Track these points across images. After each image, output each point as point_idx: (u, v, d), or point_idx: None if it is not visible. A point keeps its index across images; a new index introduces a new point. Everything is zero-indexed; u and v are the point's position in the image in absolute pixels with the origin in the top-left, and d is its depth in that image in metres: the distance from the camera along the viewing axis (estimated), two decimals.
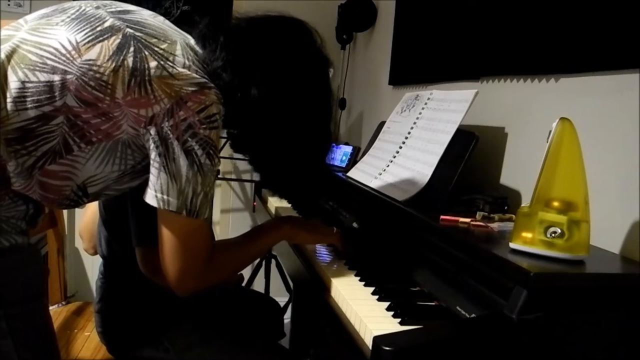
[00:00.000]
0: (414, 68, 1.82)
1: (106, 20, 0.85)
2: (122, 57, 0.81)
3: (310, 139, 1.00)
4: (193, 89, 0.83)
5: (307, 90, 0.97)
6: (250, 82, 0.90)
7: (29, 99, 0.79)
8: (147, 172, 0.86)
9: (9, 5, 2.29)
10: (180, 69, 0.83)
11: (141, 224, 1.04)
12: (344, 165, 1.93)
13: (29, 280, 0.91)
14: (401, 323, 0.81)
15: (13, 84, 0.80)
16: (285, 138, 0.96)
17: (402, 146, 1.39)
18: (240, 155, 1.06)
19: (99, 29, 0.84)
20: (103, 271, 1.19)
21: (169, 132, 0.82)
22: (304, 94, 0.96)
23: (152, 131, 0.82)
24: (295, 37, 0.98)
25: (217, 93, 0.86)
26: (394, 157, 1.39)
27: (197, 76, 0.84)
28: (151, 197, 0.84)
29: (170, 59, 0.84)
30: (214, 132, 0.85)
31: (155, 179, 0.84)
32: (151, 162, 0.84)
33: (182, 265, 0.88)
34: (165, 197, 0.83)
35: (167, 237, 0.87)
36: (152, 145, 0.83)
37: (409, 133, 1.39)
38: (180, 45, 0.87)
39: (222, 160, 0.90)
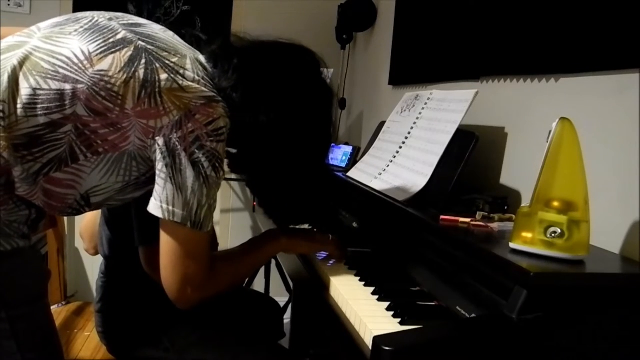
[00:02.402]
0: (414, 68, 1.83)
1: (119, 33, 0.86)
2: (133, 69, 0.82)
3: (310, 166, 1.01)
4: (202, 102, 0.84)
5: (313, 120, 0.99)
6: (260, 107, 0.92)
7: (39, 106, 0.80)
8: (151, 183, 0.86)
9: (9, 5, 2.29)
10: (190, 83, 0.84)
11: (145, 223, 1.04)
12: (344, 165, 1.94)
13: (30, 282, 0.91)
14: (401, 323, 0.81)
15: (24, 90, 0.80)
16: (286, 164, 0.97)
17: (402, 146, 1.39)
18: None
19: (111, 40, 0.85)
20: (104, 271, 1.19)
21: (177, 143, 0.82)
22: (309, 123, 0.98)
23: (160, 142, 0.83)
24: (306, 68, 1.00)
25: (225, 107, 0.87)
26: (394, 157, 1.39)
27: (206, 90, 0.85)
28: (156, 208, 0.85)
29: (181, 72, 0.85)
30: (221, 145, 0.85)
31: (161, 189, 0.84)
32: (157, 172, 0.84)
33: (183, 276, 0.88)
34: (170, 208, 0.84)
35: (169, 248, 0.87)
36: (159, 156, 0.83)
37: (409, 133, 1.39)
38: (190, 60, 0.88)
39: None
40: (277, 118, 0.93)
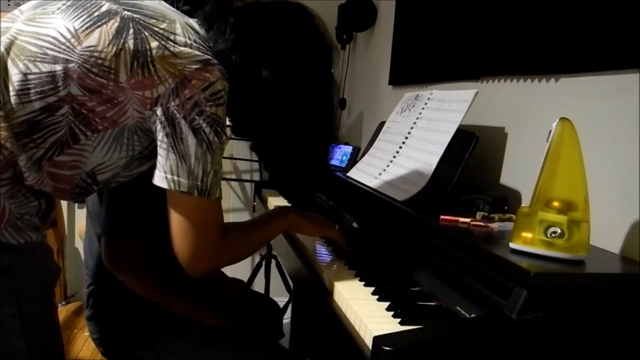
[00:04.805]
0: (414, 68, 1.82)
1: (102, 5, 0.85)
2: (122, 41, 0.81)
3: (315, 123, 1.00)
4: (196, 66, 0.82)
5: (314, 74, 0.98)
6: (261, 63, 0.90)
7: (32, 90, 0.79)
8: (155, 156, 0.85)
9: (9, 5, 2.29)
10: (182, 48, 0.83)
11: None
12: (344, 165, 1.94)
13: (42, 277, 0.91)
14: (401, 323, 0.81)
15: (15, 76, 0.79)
16: (291, 121, 0.96)
17: (402, 146, 1.39)
18: (240, 155, 1.06)
19: (96, 14, 0.83)
20: (91, 282, 1.18)
21: (175, 111, 0.81)
22: (310, 77, 0.97)
23: (159, 112, 0.82)
24: (303, 21, 0.98)
25: (221, 69, 0.85)
26: (394, 157, 1.39)
27: (200, 53, 0.84)
28: (160, 179, 0.83)
29: (171, 38, 0.83)
30: (221, 108, 0.84)
31: (164, 160, 0.83)
32: (158, 143, 0.83)
33: (195, 245, 0.87)
34: (175, 177, 0.82)
35: (178, 219, 0.86)
36: (159, 127, 0.82)
37: (409, 133, 1.39)
38: (179, 24, 0.87)
39: (221, 160, 0.89)
40: (280, 73, 0.91)
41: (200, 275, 0.92)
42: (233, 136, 1.05)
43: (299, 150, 1.00)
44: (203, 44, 0.87)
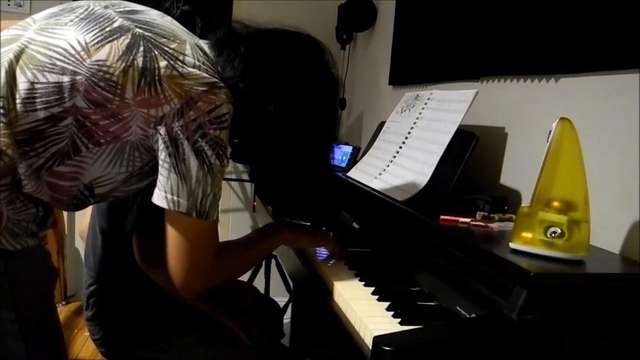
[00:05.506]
0: (414, 68, 1.83)
1: (115, 21, 0.85)
2: (131, 57, 0.81)
3: (315, 156, 1.01)
4: (203, 88, 0.82)
5: (319, 108, 0.98)
6: (267, 95, 0.91)
7: (38, 100, 0.79)
8: (155, 173, 0.85)
9: (9, 5, 2.29)
10: (190, 69, 0.83)
11: (143, 207, 1.03)
12: (344, 165, 1.93)
13: (40, 281, 0.91)
14: (401, 323, 0.81)
15: (22, 84, 0.79)
16: (291, 153, 0.97)
17: (402, 146, 1.39)
18: None
19: (108, 29, 0.84)
20: (95, 276, 1.18)
21: (179, 132, 0.81)
22: (315, 112, 0.97)
23: (162, 131, 0.82)
24: (312, 56, 0.99)
25: (227, 93, 0.85)
26: (394, 157, 1.39)
27: (207, 75, 0.84)
28: (160, 198, 0.84)
29: (180, 58, 0.84)
30: (224, 132, 0.84)
31: (165, 179, 0.83)
32: (160, 162, 0.83)
33: (190, 266, 0.87)
34: (175, 198, 0.83)
35: (175, 238, 0.86)
36: (161, 146, 0.82)
37: (409, 133, 1.39)
38: (189, 45, 0.87)
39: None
40: (285, 106, 0.92)
41: (192, 296, 0.92)
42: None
43: (297, 179, 1.02)
44: (211, 67, 0.88)
